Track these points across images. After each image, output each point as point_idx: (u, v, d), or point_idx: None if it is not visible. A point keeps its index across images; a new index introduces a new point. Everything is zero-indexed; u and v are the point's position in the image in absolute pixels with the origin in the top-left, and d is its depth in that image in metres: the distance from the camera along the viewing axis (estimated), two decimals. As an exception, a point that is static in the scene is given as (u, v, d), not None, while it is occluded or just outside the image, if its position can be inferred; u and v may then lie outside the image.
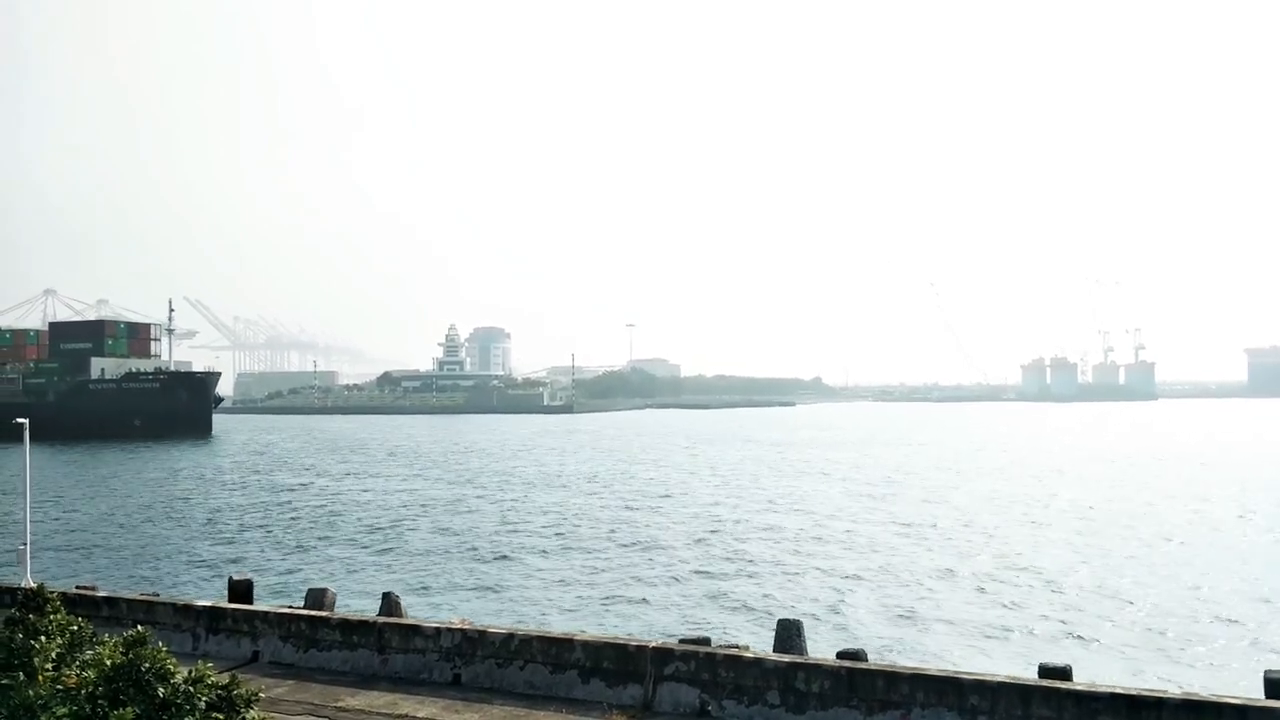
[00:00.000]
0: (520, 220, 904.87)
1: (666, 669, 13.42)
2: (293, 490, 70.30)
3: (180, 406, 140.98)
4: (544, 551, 43.24)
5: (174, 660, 8.36)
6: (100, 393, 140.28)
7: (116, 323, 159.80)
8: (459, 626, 15.23)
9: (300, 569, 39.37)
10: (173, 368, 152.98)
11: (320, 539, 47.41)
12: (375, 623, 15.76)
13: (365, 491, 69.07)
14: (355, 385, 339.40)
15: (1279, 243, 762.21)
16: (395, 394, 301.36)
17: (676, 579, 36.95)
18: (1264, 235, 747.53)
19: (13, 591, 17.18)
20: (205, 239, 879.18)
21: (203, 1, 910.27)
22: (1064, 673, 12.32)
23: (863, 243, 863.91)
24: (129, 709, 7.75)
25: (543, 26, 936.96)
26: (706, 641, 14.44)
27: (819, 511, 56.32)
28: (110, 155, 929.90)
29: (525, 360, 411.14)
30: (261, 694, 8.82)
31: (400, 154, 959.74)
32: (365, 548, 44.70)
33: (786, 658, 13.21)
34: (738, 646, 14.90)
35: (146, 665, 8.08)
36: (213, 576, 36.91)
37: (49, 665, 8.77)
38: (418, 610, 28.24)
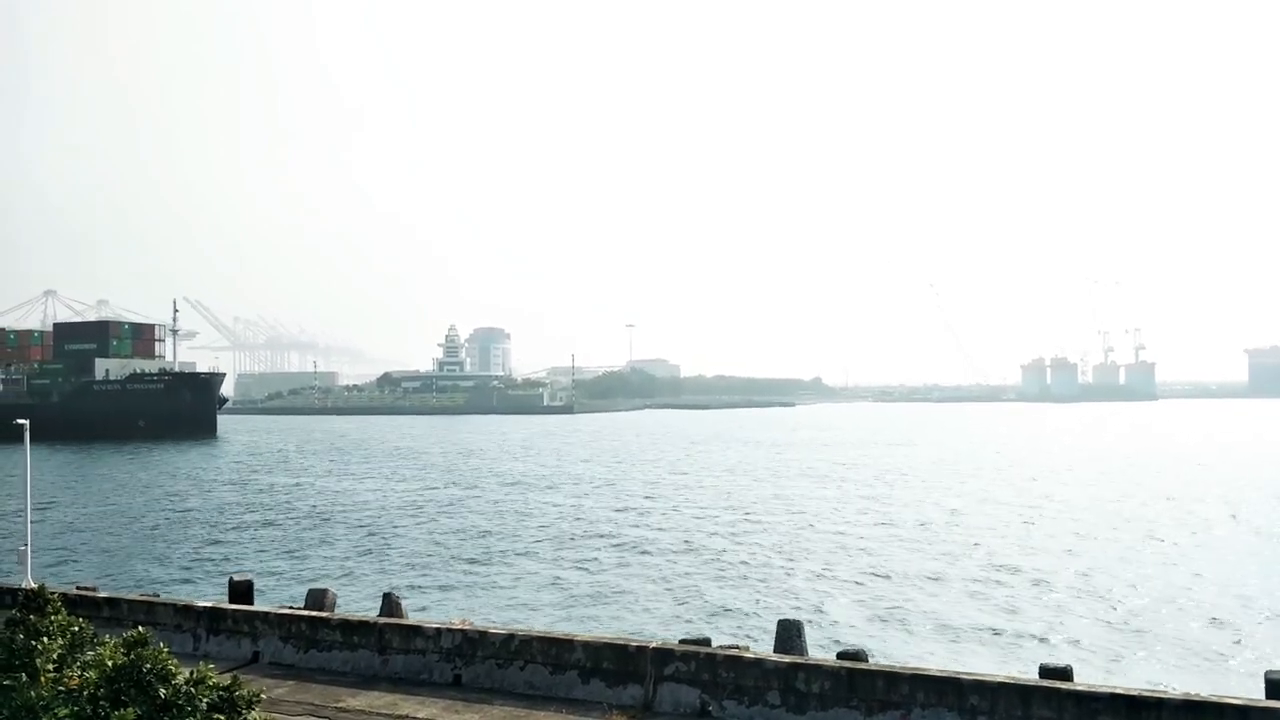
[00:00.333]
0: (520, 220, 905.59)
1: (667, 669, 13.42)
2: (293, 491, 70.30)
3: (185, 407, 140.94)
4: (544, 552, 43.24)
5: (175, 661, 8.37)
6: (105, 393, 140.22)
7: (121, 323, 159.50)
8: (459, 627, 15.24)
9: (300, 569, 39.37)
10: (177, 368, 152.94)
11: (320, 540, 47.41)
12: (376, 623, 15.77)
13: (365, 492, 69.08)
14: (355, 386, 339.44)
15: (1279, 243, 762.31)
16: (395, 394, 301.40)
17: (676, 579, 36.94)
18: (1264, 235, 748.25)
19: (14, 592, 17.19)
20: (205, 239, 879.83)
21: (203, 1, 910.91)
22: (1064, 673, 12.32)
23: (863, 243, 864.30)
24: (130, 710, 7.76)
25: (543, 27, 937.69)
26: (707, 642, 14.44)
27: (818, 512, 56.32)
28: (110, 155, 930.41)
29: (525, 361, 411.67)
30: (262, 695, 8.83)
31: (400, 154, 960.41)
32: (365, 548, 44.70)
33: (787, 658, 13.22)
34: (738, 647, 14.90)
35: (148, 666, 8.09)
36: (213, 577, 36.91)
37: (50, 666, 8.78)
38: (418, 611, 28.25)
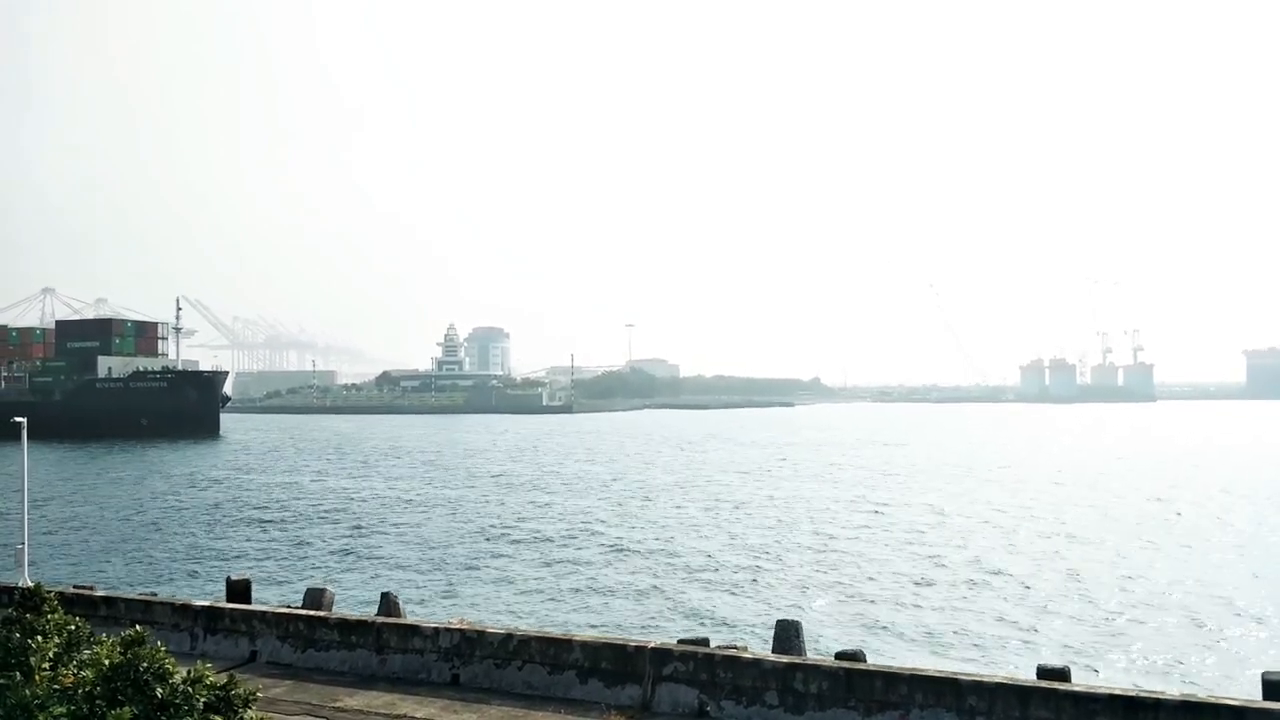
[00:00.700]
0: (520, 220, 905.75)
1: (665, 669, 13.40)
2: (290, 490, 70.24)
3: (187, 406, 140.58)
4: (542, 552, 43.22)
5: (172, 660, 8.34)
6: (107, 391, 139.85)
7: (124, 321, 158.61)
8: (457, 627, 15.22)
9: (298, 569, 39.35)
10: (180, 367, 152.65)
11: (318, 539, 47.38)
12: (374, 623, 15.75)
13: (363, 492, 69.03)
14: (354, 385, 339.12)
15: (1278, 243, 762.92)
16: (394, 394, 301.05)
17: (675, 579, 36.94)
18: (1263, 236, 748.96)
19: (10, 591, 17.16)
20: (205, 238, 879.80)
21: (203, 1, 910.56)
22: (1062, 674, 12.32)
23: (862, 243, 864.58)
24: (127, 709, 7.73)
25: (542, 27, 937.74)
26: (705, 642, 14.42)
27: (817, 513, 56.32)
28: (110, 155, 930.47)
29: (524, 360, 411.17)
30: (259, 694, 8.80)
31: (400, 154, 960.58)
32: (363, 548, 44.67)
33: (785, 658, 13.20)
34: (736, 647, 14.88)
35: (144, 665, 8.06)
36: (211, 576, 36.88)
37: (46, 665, 8.74)
38: (416, 610, 28.24)
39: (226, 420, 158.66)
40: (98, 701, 7.93)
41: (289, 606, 17.84)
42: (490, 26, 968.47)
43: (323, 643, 15.76)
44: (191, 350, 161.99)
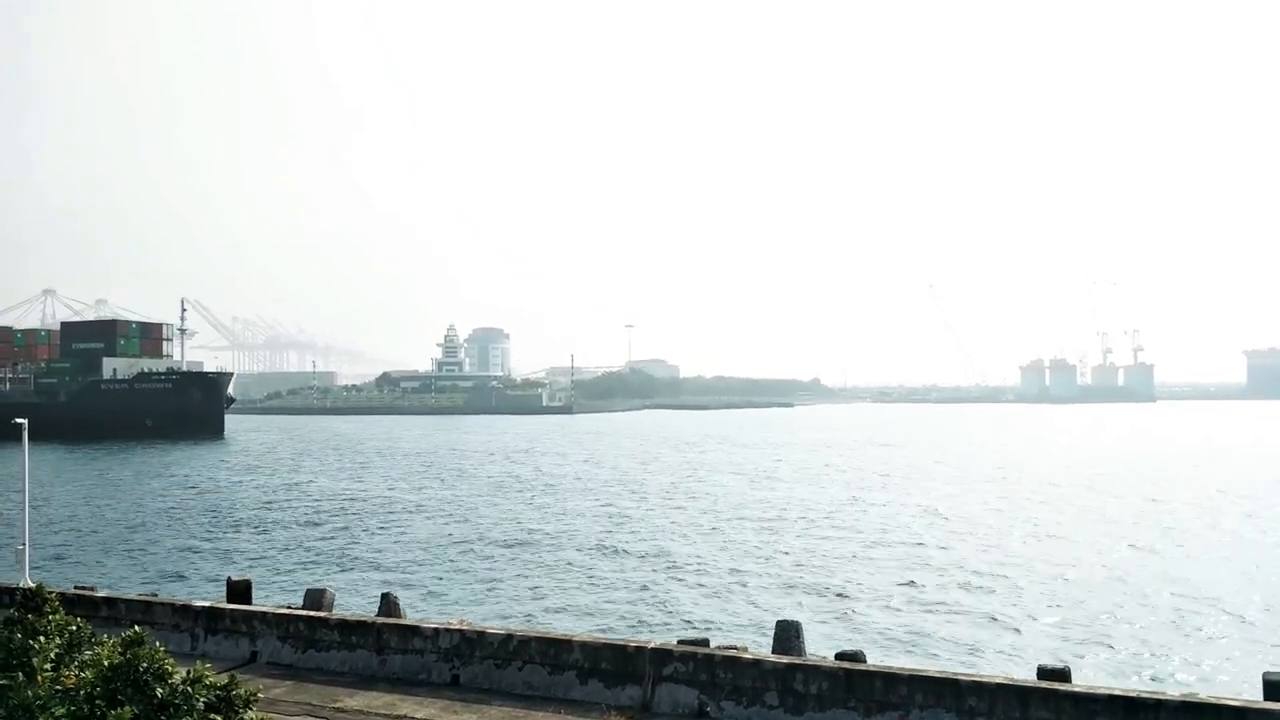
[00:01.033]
0: (520, 220, 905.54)
1: (665, 670, 13.41)
2: (290, 490, 70.25)
3: (192, 407, 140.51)
4: (541, 552, 43.23)
5: (172, 660, 8.35)
6: (112, 392, 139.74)
7: (128, 323, 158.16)
8: (457, 627, 15.23)
9: (299, 569, 39.36)
10: (185, 368, 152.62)
11: (318, 539, 47.40)
12: (374, 623, 15.75)
13: (363, 492, 69.04)
14: (354, 386, 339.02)
15: (1278, 243, 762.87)
16: (394, 394, 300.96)
17: (674, 579, 36.95)
18: (1263, 236, 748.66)
19: (11, 591, 17.18)
20: (205, 239, 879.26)
21: (203, 1, 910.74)
22: (1062, 674, 12.32)
23: (862, 244, 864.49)
24: (127, 709, 7.74)
25: (543, 27, 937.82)
26: (705, 642, 14.42)
27: (816, 514, 56.33)
28: (110, 155, 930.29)
29: (524, 361, 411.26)
30: (260, 694, 8.81)
31: (400, 154, 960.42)
32: (363, 548, 44.68)
33: (785, 659, 13.20)
34: (736, 647, 14.88)
35: (145, 665, 8.06)
36: (211, 576, 36.89)
37: (47, 665, 8.76)
38: (416, 611, 28.24)
39: (229, 422, 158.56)
40: (98, 702, 7.94)
41: (289, 607, 17.84)
42: (490, 27, 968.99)
43: (323, 643, 15.77)
44: (191, 351, 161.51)
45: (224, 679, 8.48)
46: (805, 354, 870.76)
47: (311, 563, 41.13)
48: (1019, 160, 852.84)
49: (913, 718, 11.92)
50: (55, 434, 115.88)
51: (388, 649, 15.28)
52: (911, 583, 36.22)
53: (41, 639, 8.93)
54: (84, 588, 19.43)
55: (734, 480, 77.02)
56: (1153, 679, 24.15)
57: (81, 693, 8.09)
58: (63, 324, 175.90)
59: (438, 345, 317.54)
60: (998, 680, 12.12)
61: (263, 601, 21.33)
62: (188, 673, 8.26)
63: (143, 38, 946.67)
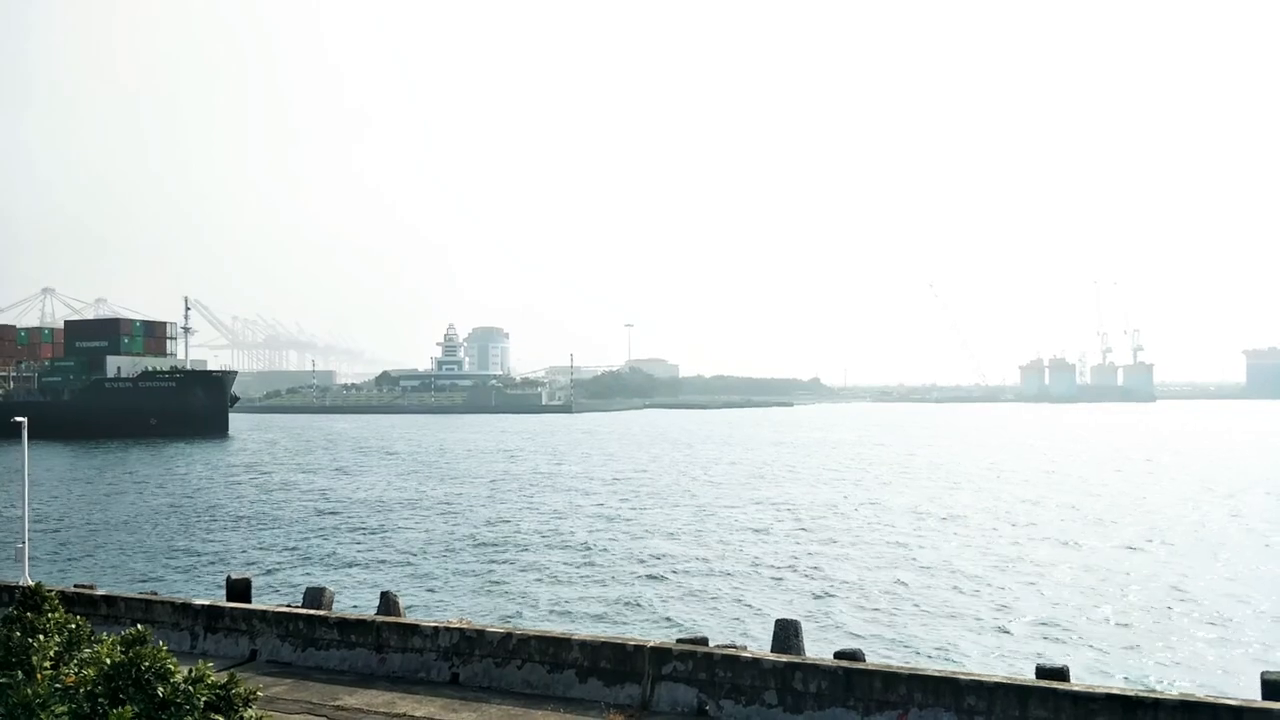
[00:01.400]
0: (520, 220, 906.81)
1: (664, 669, 13.42)
2: (290, 489, 70.25)
3: (196, 405, 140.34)
4: (541, 551, 43.24)
5: (173, 659, 8.36)
6: (116, 391, 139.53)
7: (132, 321, 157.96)
8: (457, 626, 15.23)
9: (298, 568, 39.38)
10: (189, 366, 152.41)
11: (318, 538, 47.41)
12: (373, 622, 15.76)
13: (363, 490, 69.04)
14: (354, 385, 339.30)
15: (1278, 243, 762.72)
16: (393, 393, 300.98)
17: (674, 579, 36.96)
18: (1263, 236, 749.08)
19: (11, 590, 17.20)
20: (205, 238, 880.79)
21: (208, 1, 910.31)
22: (1061, 673, 12.33)
23: (862, 243, 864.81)
24: (128, 708, 7.75)
25: (546, 28, 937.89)
26: (704, 641, 14.43)
27: (814, 513, 56.34)
28: (112, 155, 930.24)
29: (524, 360, 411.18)
30: (260, 693, 8.81)
31: (403, 154, 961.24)
32: (363, 547, 44.69)
33: (784, 658, 13.21)
34: (735, 646, 14.90)
35: (145, 664, 8.07)
36: (211, 575, 36.91)
37: (47, 664, 8.76)
38: (416, 609, 28.26)
39: (232, 420, 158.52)
40: (99, 700, 7.95)
41: (289, 606, 17.86)
42: (494, 28, 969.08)
43: (323, 642, 15.79)
44: (192, 350, 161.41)
45: (224, 677, 8.48)
46: (805, 353, 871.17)
47: (311, 561, 41.14)
48: (1020, 160, 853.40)
49: (912, 716, 11.93)
50: (59, 433, 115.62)
51: (387, 647, 15.29)
52: (911, 582, 36.23)
53: (41, 637, 8.94)
54: (83, 586, 19.44)
55: (733, 480, 77.03)
56: (1150, 673, 24.17)
57: (82, 691, 8.10)
58: (66, 323, 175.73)
59: (437, 344, 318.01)
60: (997, 679, 12.12)
61: (262, 600, 21.36)
62: (188, 671, 8.27)
63: (146, 36, 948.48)
